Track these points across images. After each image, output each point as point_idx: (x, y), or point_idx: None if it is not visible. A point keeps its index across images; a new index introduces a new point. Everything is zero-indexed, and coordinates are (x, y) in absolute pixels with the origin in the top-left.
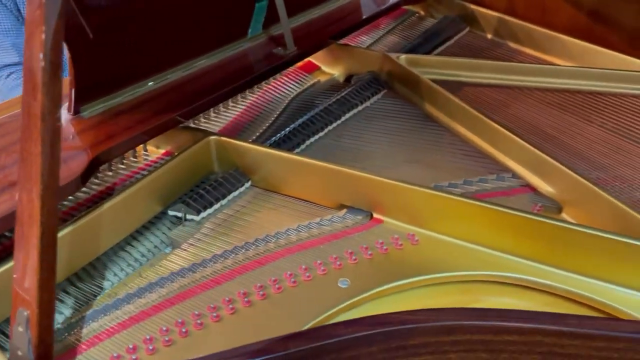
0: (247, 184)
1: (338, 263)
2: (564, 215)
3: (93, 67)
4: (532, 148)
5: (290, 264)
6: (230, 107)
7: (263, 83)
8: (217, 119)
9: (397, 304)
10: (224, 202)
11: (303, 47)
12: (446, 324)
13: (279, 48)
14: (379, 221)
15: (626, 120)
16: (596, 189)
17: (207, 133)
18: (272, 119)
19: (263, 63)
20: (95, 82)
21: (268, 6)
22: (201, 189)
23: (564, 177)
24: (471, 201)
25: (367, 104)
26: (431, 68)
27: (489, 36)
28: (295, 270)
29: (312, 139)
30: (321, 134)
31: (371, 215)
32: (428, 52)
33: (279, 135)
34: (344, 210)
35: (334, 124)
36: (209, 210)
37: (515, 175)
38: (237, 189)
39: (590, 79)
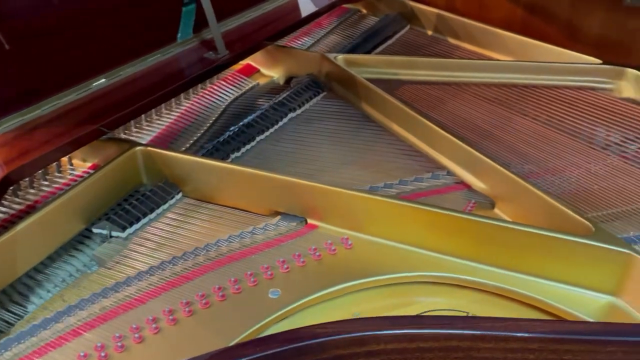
0: (178, 196)
1: (269, 273)
2: (497, 211)
3: (6, 80)
4: (464, 145)
5: (220, 277)
6: (164, 115)
7: (199, 88)
8: (150, 128)
9: (329, 311)
10: (152, 216)
11: (236, 51)
12: (358, 335)
13: (210, 52)
14: (314, 227)
15: (558, 111)
16: (526, 184)
17: (134, 144)
18: (208, 125)
19: (194, 68)
20: (9, 96)
21: (200, 10)
22: (127, 204)
23: (494, 173)
24: (404, 202)
25: (307, 106)
26: (369, 67)
27: (429, 33)
28: (224, 283)
29: (249, 145)
30: (259, 139)
31: (306, 220)
32: (369, 51)
33: (212, 143)
34: (278, 217)
35: (272, 129)
36: (136, 226)
37: (450, 172)
38: (166, 201)
39: (525, 72)
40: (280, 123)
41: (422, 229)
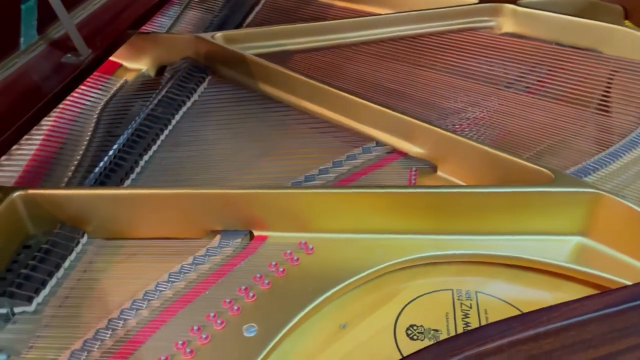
0: (83, 240)
1: (235, 307)
2: (440, 174)
3: None
4: (388, 111)
5: (176, 329)
6: (23, 143)
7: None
8: (11, 164)
9: (314, 330)
10: (59, 273)
11: (99, 47)
12: None
13: (69, 55)
14: (263, 238)
15: (451, 57)
16: (460, 138)
17: (7, 189)
18: (84, 144)
19: (54, 79)
20: None
21: (39, 4)
22: (23, 267)
23: (425, 133)
24: (352, 190)
25: (195, 97)
26: (252, 42)
27: None
28: (185, 335)
29: (145, 158)
30: (154, 147)
31: (251, 233)
32: (240, 23)
33: (100, 166)
34: (218, 237)
35: (166, 132)
36: (44, 292)
37: (379, 143)
38: (71, 250)
39: (408, 23)
40: (173, 122)
41: (381, 214)
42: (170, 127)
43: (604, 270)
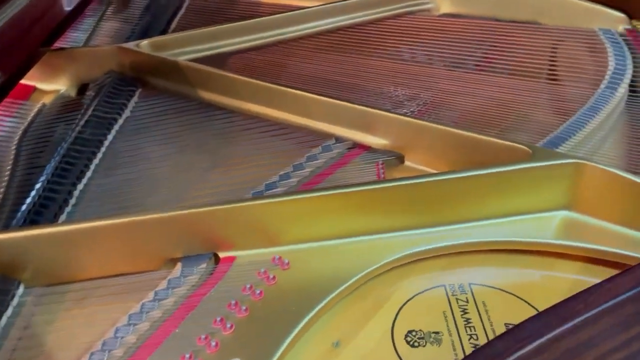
0: (19, 290)
1: (213, 343)
2: (409, 164)
3: None
4: (341, 102)
5: None
6: None
7: None
8: None
9: (306, 354)
10: None
11: (10, 69)
12: None
13: None
14: (230, 259)
15: (393, 43)
16: (425, 123)
17: None
18: (4, 181)
19: None
20: None
21: None
22: None
23: (387, 122)
24: (320, 193)
25: (127, 113)
26: (183, 47)
27: None
28: None
29: (79, 187)
30: (89, 174)
31: (216, 256)
32: (164, 30)
33: (29, 201)
34: (179, 266)
35: (99, 155)
36: None
37: (339, 139)
38: (7, 305)
39: (345, 12)
40: (106, 143)
41: (355, 215)
42: (103, 149)
43: (594, 241)
